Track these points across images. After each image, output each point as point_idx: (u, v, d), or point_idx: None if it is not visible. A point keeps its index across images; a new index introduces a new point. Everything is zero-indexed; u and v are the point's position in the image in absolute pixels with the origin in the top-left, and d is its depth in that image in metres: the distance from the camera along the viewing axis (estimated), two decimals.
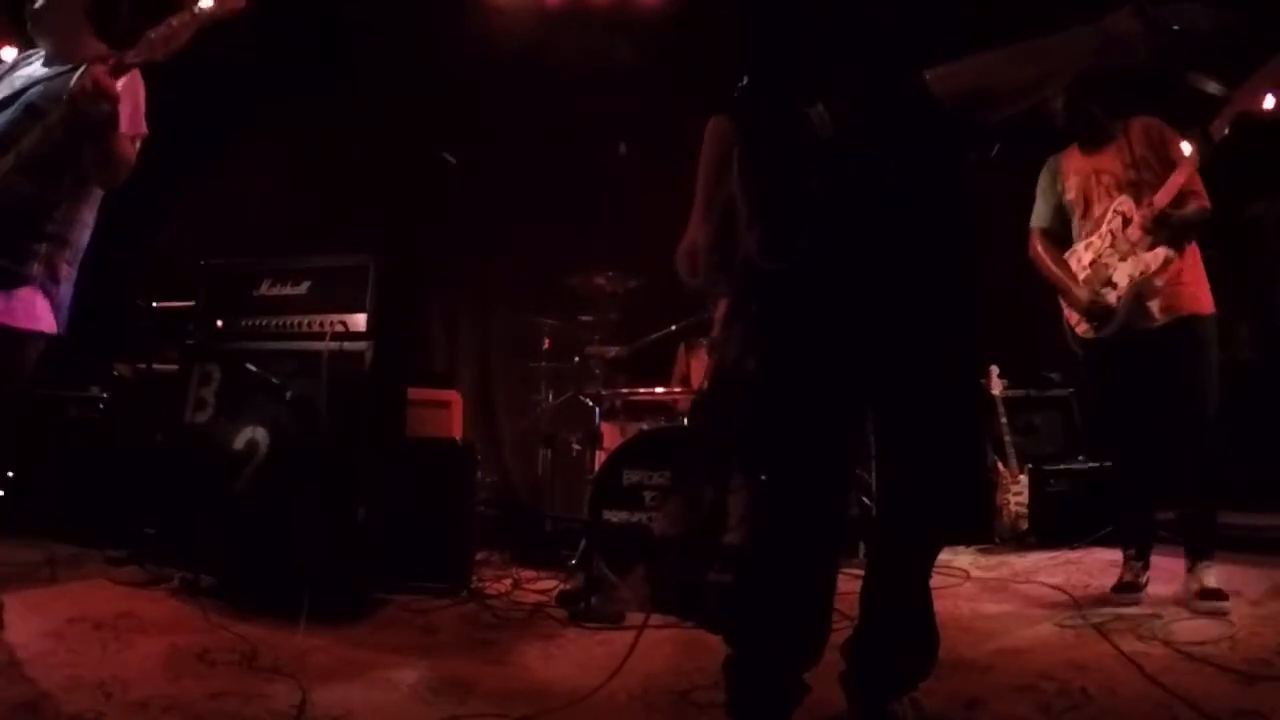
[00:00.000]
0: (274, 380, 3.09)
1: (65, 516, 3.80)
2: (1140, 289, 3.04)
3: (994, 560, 3.97)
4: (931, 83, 1.72)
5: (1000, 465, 4.51)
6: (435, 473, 3.42)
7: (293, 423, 3.04)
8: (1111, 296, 3.09)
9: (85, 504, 3.84)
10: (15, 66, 2.41)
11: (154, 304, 4.10)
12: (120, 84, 2.12)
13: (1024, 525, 4.35)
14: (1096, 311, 3.13)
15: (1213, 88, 4.28)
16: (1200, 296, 3.11)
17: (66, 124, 2.09)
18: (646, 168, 4.52)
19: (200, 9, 2.09)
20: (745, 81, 1.86)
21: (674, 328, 4.26)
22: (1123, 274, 3.08)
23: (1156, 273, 3.02)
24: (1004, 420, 4.56)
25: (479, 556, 3.84)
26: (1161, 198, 2.99)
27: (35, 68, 2.36)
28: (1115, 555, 3.55)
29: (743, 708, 1.84)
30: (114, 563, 3.45)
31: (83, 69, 2.22)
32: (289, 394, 3.05)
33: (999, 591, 3.37)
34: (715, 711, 1.97)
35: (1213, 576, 2.96)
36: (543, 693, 2.19)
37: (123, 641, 2.52)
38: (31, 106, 2.23)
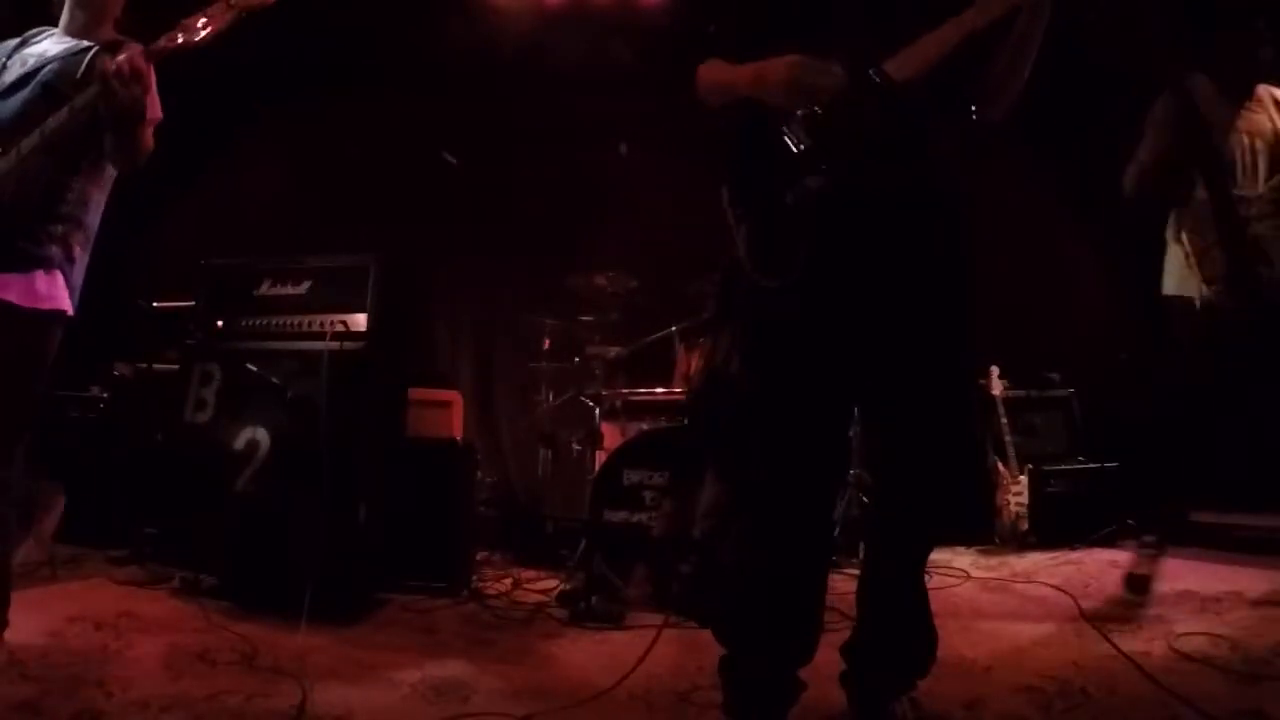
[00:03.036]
0: (274, 380, 3.09)
1: (66, 516, 3.80)
2: None
3: (994, 560, 3.97)
4: (893, 72, 1.73)
5: (1000, 465, 4.51)
6: (435, 473, 3.42)
7: (293, 423, 3.04)
8: (1265, 272, 2.87)
9: (86, 504, 3.84)
10: (24, 43, 2.38)
11: (154, 304, 4.10)
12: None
13: (1024, 525, 4.34)
14: (1235, 282, 2.90)
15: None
16: None
17: (93, 107, 2.06)
18: (646, 168, 4.52)
19: (232, 0, 2.08)
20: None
21: (674, 328, 4.26)
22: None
23: None
24: (1004, 420, 4.55)
25: (479, 556, 3.84)
26: None
27: (46, 45, 2.34)
28: (1115, 555, 3.56)
29: (738, 707, 1.85)
30: (114, 562, 3.45)
31: (96, 52, 2.22)
32: (289, 394, 3.05)
33: (999, 591, 3.37)
34: (715, 712, 1.97)
35: None
36: (543, 692, 2.19)
37: (123, 641, 2.52)
38: (48, 86, 2.21)
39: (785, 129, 1.77)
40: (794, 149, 1.76)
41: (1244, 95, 3.10)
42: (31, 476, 2.57)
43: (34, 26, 2.44)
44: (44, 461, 3.81)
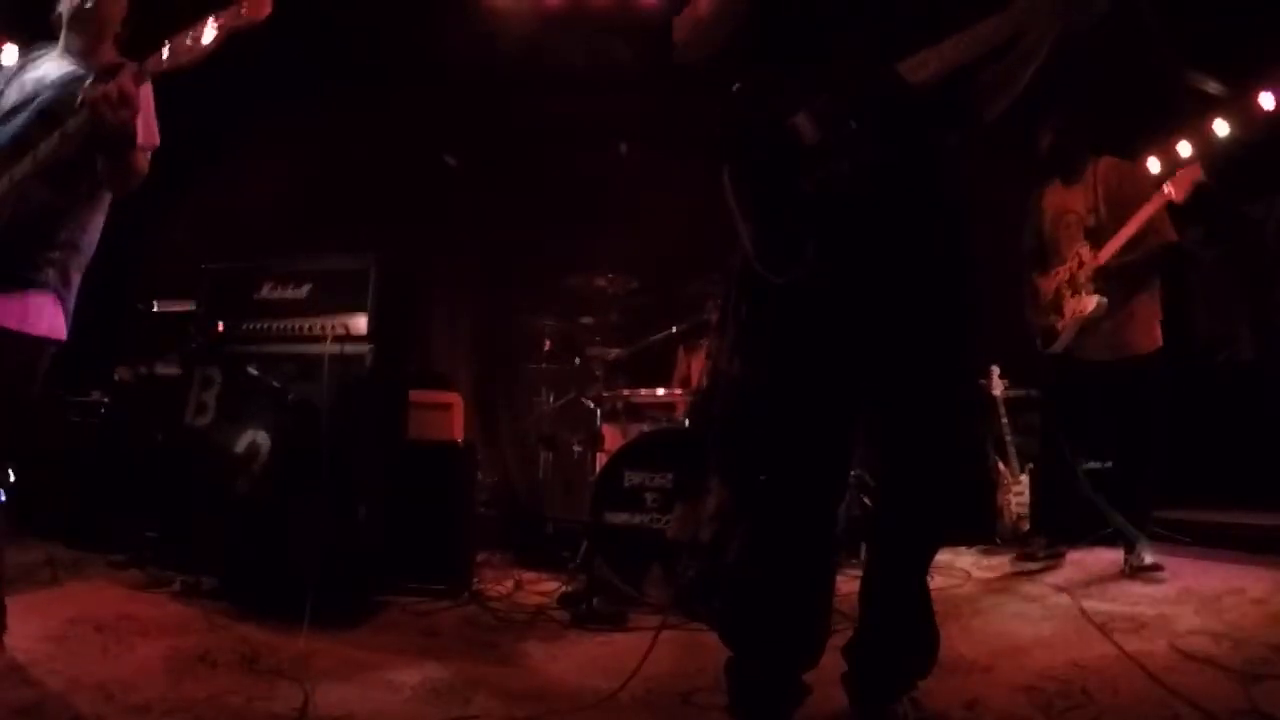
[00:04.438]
0: (275, 383, 3.09)
1: (66, 519, 3.80)
2: (1083, 324, 3.56)
3: (994, 560, 3.97)
4: (906, 74, 1.73)
5: (1001, 465, 4.51)
6: (436, 474, 3.42)
7: (294, 426, 3.03)
8: (1059, 324, 3.64)
9: (86, 507, 3.84)
10: (23, 68, 2.36)
11: (155, 307, 4.10)
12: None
13: (1025, 526, 4.34)
14: (1045, 332, 3.70)
15: (1213, 88, 4.33)
16: (1150, 334, 3.53)
17: (84, 132, 2.06)
18: (646, 168, 4.52)
19: (221, 21, 2.08)
20: (736, 88, 1.86)
21: (674, 329, 4.26)
22: (1069, 308, 3.60)
23: (1090, 316, 3.52)
24: (1005, 420, 4.56)
25: (480, 558, 3.84)
26: (1104, 253, 3.49)
27: (45, 69, 2.33)
28: (1116, 555, 3.56)
29: (743, 709, 1.84)
30: (115, 565, 3.45)
31: (94, 79, 2.21)
32: (290, 397, 3.05)
33: (999, 592, 3.37)
34: (717, 713, 1.97)
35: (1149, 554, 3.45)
36: (545, 694, 2.19)
37: (124, 644, 2.52)
38: (45, 112, 2.20)
39: (795, 120, 1.76)
40: (804, 141, 1.75)
41: (1049, 178, 3.78)
42: None
43: (26, 32, 2.43)
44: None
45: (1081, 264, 3.56)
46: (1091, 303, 3.50)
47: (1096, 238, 3.54)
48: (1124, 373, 3.53)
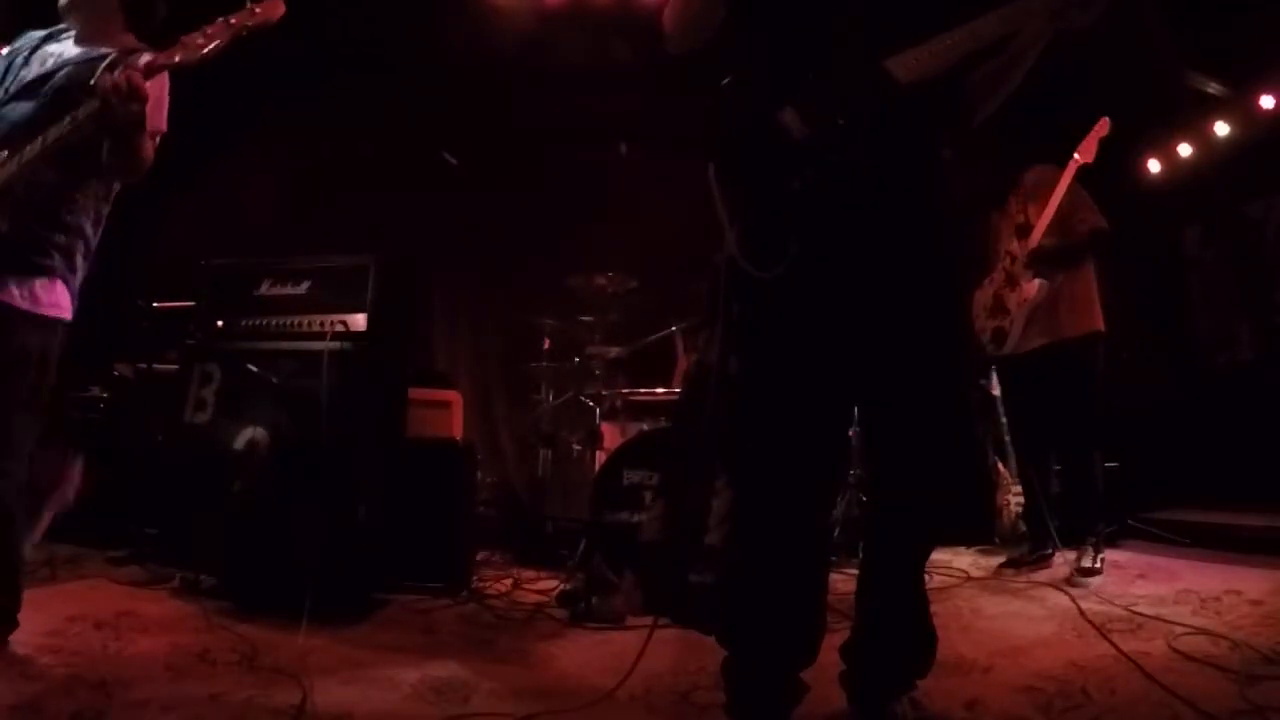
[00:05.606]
0: (274, 380, 3.09)
1: (66, 516, 3.79)
2: (1030, 313, 3.59)
3: (994, 561, 3.97)
4: (895, 71, 1.72)
5: (1000, 466, 4.51)
6: (435, 473, 3.42)
7: (293, 423, 3.03)
8: (1006, 322, 3.66)
9: (85, 504, 3.83)
10: (49, 39, 2.39)
11: (154, 304, 4.10)
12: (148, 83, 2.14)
13: (1024, 526, 4.34)
14: (995, 335, 3.71)
15: (1213, 88, 4.32)
16: (1081, 317, 3.58)
17: (94, 119, 2.09)
18: (646, 168, 4.52)
19: (235, 20, 2.10)
20: (725, 82, 1.85)
21: (674, 328, 4.26)
22: (1013, 303, 3.63)
23: (1035, 299, 3.56)
24: (1005, 421, 4.55)
25: (479, 556, 3.84)
26: (1034, 237, 3.55)
27: (67, 45, 2.35)
28: (1115, 555, 3.57)
29: (740, 708, 1.84)
30: (114, 562, 3.45)
31: (111, 60, 2.22)
32: (289, 394, 3.05)
33: (999, 591, 3.37)
34: (715, 712, 1.97)
35: (1089, 558, 3.44)
36: (544, 693, 2.19)
37: (123, 641, 2.52)
38: (60, 91, 2.22)
39: (782, 116, 1.76)
40: (791, 137, 1.75)
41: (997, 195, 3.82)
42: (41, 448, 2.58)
43: (30, 27, 2.45)
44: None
45: (1014, 259, 3.63)
46: (1034, 287, 3.55)
47: (1025, 231, 3.61)
48: (1055, 357, 3.57)
